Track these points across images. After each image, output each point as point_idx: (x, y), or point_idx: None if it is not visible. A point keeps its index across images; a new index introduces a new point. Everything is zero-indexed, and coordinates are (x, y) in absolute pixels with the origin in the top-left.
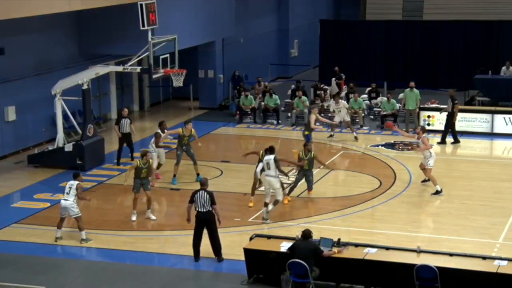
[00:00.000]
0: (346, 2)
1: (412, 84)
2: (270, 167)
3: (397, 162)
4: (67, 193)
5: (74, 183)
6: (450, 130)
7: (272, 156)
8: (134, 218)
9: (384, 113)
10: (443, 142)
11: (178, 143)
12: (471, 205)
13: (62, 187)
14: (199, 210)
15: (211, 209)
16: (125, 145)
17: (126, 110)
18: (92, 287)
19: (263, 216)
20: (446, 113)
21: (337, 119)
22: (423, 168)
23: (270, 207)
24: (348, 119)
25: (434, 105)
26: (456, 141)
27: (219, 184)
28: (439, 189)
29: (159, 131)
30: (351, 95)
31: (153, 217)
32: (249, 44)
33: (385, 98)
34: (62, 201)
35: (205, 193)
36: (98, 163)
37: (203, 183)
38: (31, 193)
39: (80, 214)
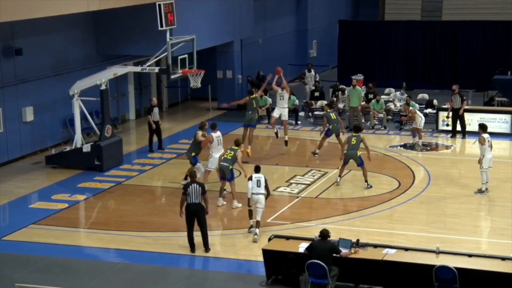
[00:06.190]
0: (365, 3)
1: (354, 82)
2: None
3: (416, 163)
4: (258, 186)
5: (261, 175)
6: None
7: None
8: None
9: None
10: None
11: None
12: (491, 206)
13: (80, 187)
14: (190, 202)
15: (201, 201)
16: None
17: (154, 99)
18: None
19: None
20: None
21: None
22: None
23: None
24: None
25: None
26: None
27: (237, 185)
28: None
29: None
30: (370, 96)
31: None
32: (268, 45)
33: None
34: (254, 196)
35: (197, 185)
36: (116, 164)
37: (193, 175)
38: (49, 194)
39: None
